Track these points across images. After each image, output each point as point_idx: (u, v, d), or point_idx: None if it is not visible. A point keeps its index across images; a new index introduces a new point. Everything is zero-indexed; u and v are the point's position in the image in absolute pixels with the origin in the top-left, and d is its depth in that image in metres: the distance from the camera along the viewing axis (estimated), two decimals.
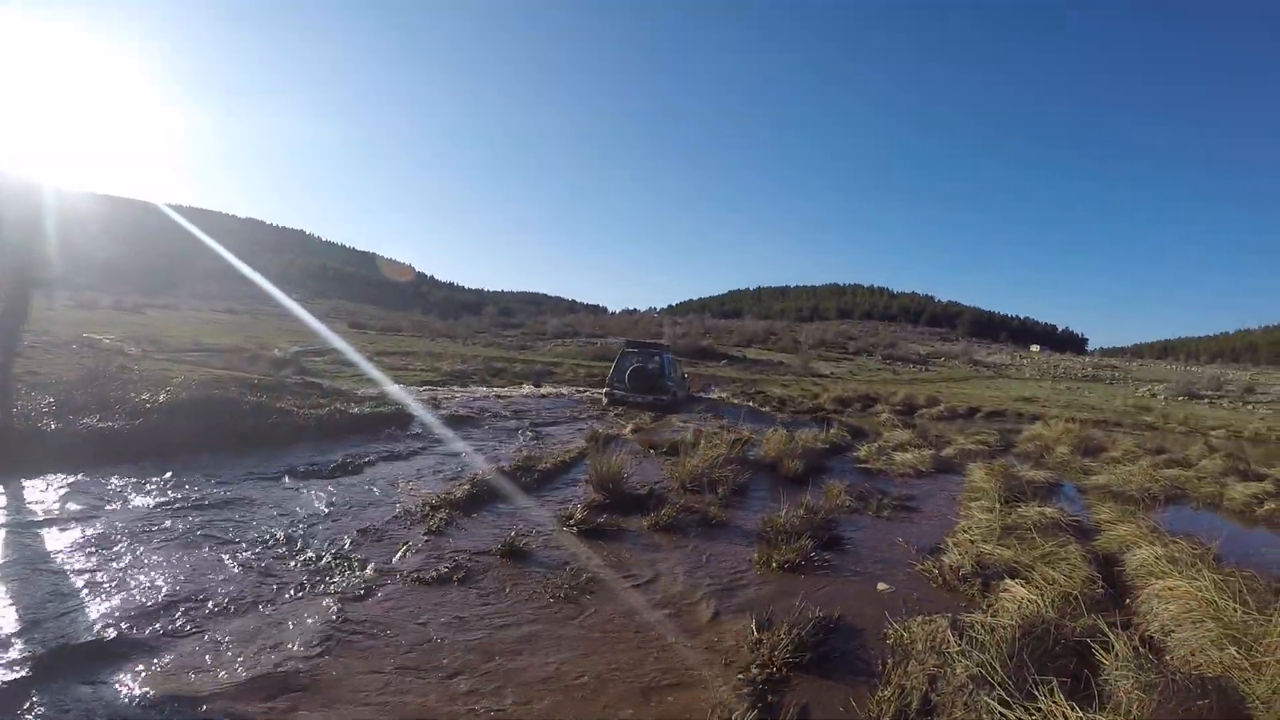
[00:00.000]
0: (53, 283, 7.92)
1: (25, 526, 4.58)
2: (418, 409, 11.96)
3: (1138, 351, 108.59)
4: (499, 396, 16.38)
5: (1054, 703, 2.87)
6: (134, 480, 5.98)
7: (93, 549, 4.27)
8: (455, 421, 11.30)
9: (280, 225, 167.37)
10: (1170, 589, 4.33)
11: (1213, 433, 20.96)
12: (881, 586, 4.65)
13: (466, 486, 6.33)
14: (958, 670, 3.21)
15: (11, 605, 3.42)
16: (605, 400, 16.19)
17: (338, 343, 26.32)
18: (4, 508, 4.96)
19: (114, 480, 5.96)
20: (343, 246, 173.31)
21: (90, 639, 3.20)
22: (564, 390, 21.26)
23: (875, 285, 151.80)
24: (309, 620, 3.60)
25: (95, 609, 3.50)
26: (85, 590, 3.69)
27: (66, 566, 3.98)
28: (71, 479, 5.86)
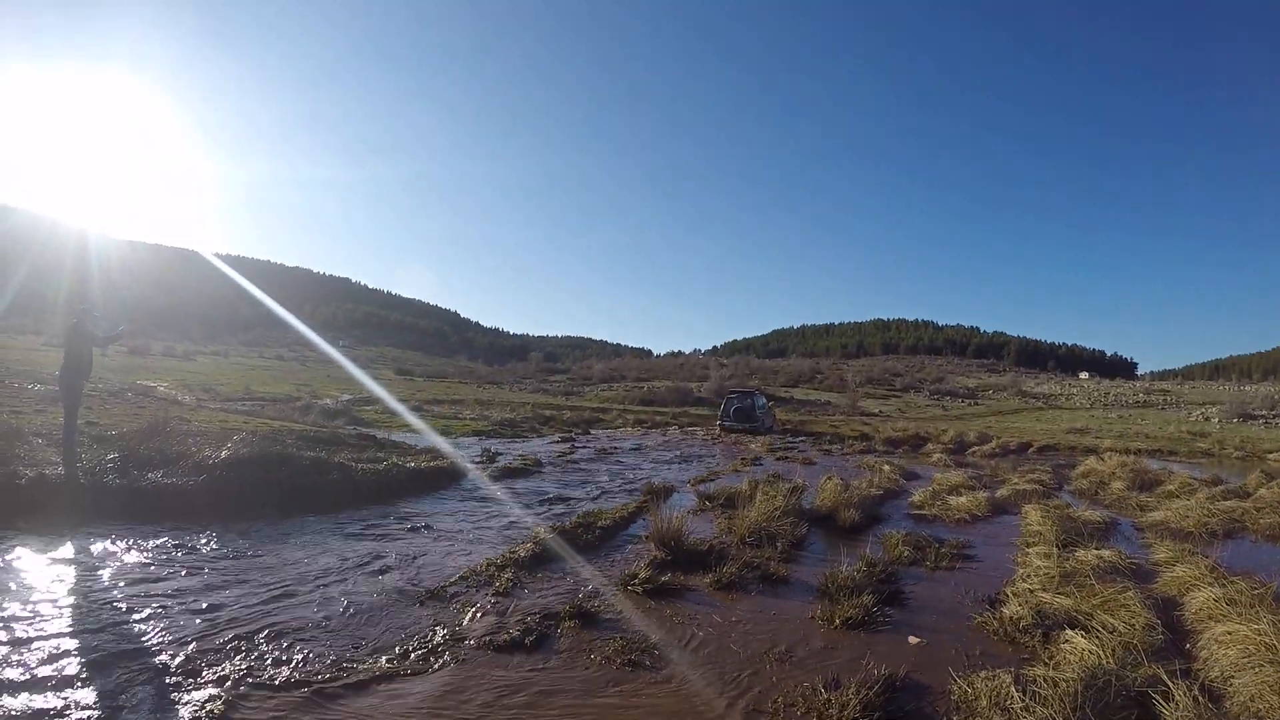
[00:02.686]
0: (111, 340, 8.42)
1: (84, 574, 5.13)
2: (473, 462, 12.30)
3: (1189, 373, 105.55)
4: (551, 446, 16.81)
5: None
6: (197, 538, 6.31)
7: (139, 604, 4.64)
8: (512, 474, 11.57)
9: (327, 274, 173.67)
10: (1229, 633, 4.40)
11: (1270, 455, 20.43)
12: (914, 640, 4.73)
13: (530, 545, 6.44)
14: None
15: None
16: (719, 429, 23.05)
17: (382, 392, 27.03)
18: (72, 560, 5.45)
19: (173, 537, 6.29)
20: (387, 293, 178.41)
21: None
22: (618, 431, 21.62)
23: (920, 319, 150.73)
24: None
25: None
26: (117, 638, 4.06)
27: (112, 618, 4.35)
28: (128, 535, 6.23)
